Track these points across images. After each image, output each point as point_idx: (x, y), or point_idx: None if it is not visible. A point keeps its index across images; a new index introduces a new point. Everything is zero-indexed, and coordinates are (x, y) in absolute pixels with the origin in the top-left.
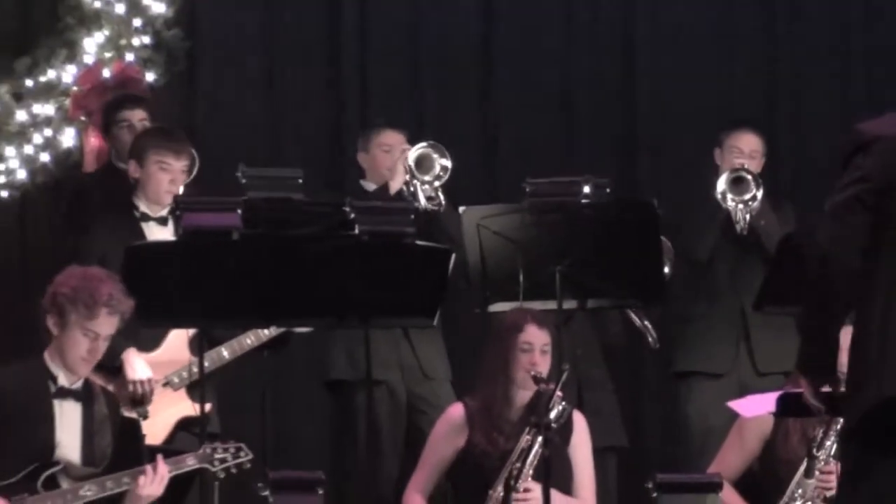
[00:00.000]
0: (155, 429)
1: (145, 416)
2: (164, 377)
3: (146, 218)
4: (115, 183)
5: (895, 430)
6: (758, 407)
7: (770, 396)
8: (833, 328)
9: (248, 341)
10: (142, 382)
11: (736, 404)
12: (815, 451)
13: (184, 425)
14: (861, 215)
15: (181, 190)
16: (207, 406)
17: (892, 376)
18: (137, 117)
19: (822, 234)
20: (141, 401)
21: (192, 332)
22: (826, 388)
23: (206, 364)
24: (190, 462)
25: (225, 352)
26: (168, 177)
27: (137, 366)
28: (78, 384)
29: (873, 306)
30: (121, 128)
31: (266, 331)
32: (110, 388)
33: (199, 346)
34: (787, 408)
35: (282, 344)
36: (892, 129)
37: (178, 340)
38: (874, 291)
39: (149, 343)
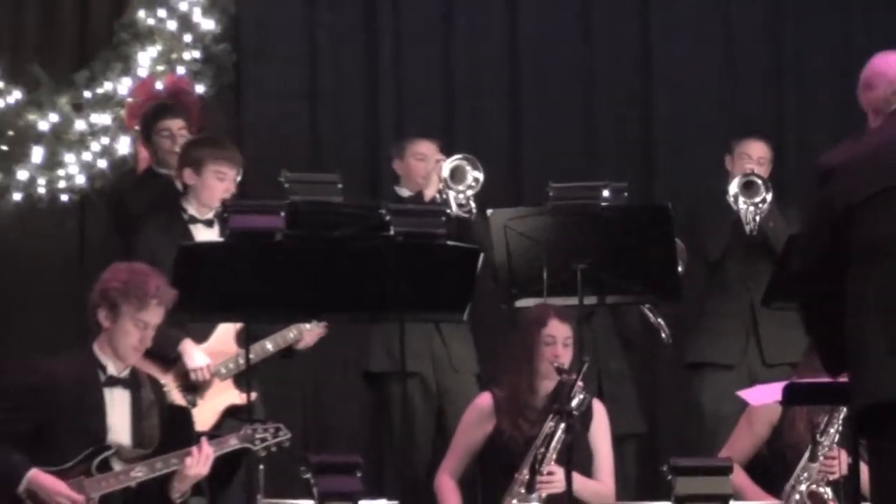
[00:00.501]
0: (204, 416)
1: (194, 404)
2: (213, 368)
3: (194, 220)
4: (155, 186)
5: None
6: (765, 396)
7: (777, 386)
8: (825, 337)
9: (291, 335)
10: (200, 370)
11: (745, 393)
12: (818, 436)
13: (231, 413)
14: (828, 242)
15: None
16: (253, 395)
17: (858, 392)
18: (177, 126)
19: (794, 263)
20: (198, 387)
21: (237, 326)
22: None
23: (251, 356)
24: (232, 442)
25: (269, 345)
26: (223, 185)
27: (195, 355)
28: (125, 373)
29: (846, 323)
30: (162, 136)
31: (307, 325)
32: (168, 376)
33: (244, 340)
34: (793, 397)
35: (289, 356)
36: (844, 157)
37: (225, 334)
38: (847, 309)
39: (198, 337)
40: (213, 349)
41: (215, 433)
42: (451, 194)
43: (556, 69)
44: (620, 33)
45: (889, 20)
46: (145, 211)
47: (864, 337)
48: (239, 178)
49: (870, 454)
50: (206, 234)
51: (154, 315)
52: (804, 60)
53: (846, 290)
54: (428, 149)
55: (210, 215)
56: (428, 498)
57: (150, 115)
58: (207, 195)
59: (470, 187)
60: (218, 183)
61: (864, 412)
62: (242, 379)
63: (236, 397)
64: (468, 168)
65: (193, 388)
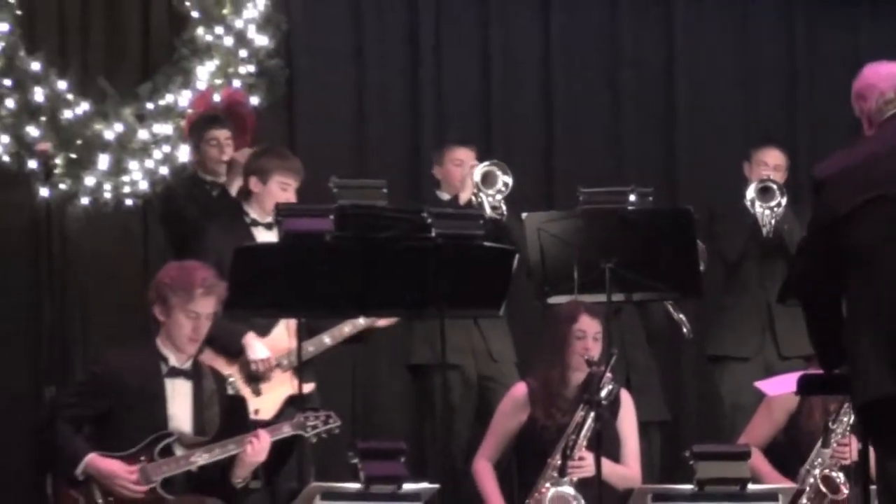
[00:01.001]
0: (266, 405)
1: (259, 393)
2: (275, 360)
3: (255, 224)
4: (198, 191)
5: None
6: (781, 386)
7: (792, 377)
8: (822, 337)
9: (346, 329)
10: (262, 361)
11: (762, 384)
12: (831, 424)
13: (291, 402)
14: (823, 251)
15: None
16: (311, 385)
17: (855, 390)
18: (224, 136)
19: (792, 271)
20: (260, 377)
21: (295, 321)
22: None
23: (310, 349)
24: (286, 430)
25: (326, 339)
26: (286, 195)
27: (257, 348)
28: (187, 364)
29: (845, 326)
30: (210, 145)
31: (361, 320)
32: (233, 367)
33: (298, 334)
34: (807, 387)
35: (364, 340)
36: (835, 168)
37: (285, 329)
38: (845, 312)
39: (260, 331)
40: (275, 343)
41: (272, 421)
42: (484, 197)
43: (585, 81)
44: (645, 48)
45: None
46: (201, 214)
47: (858, 339)
48: None
49: (873, 445)
50: (266, 237)
51: (203, 305)
52: (816, 73)
53: (841, 294)
54: (465, 155)
55: (270, 219)
56: (467, 481)
57: (199, 124)
58: (270, 203)
59: (500, 191)
60: (281, 193)
61: (862, 408)
62: (308, 371)
63: (296, 388)
64: (498, 173)
65: (255, 378)
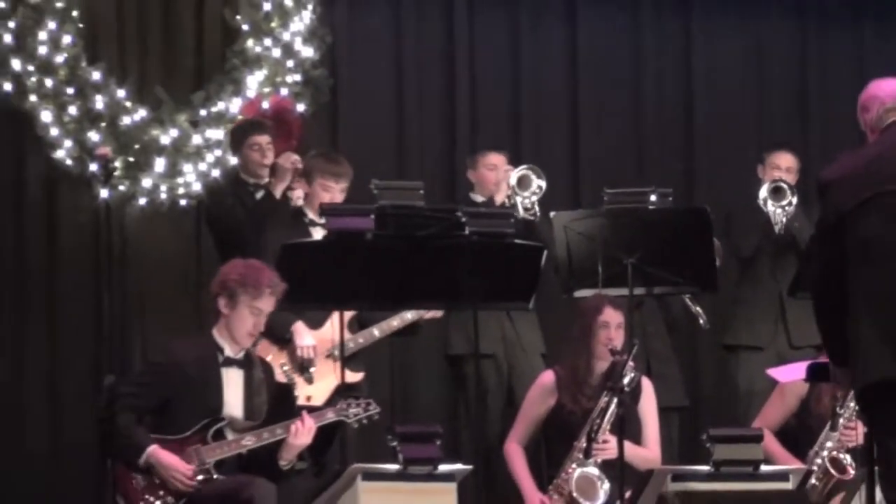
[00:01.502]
0: (318, 393)
1: (310, 381)
2: (327, 350)
3: (313, 223)
4: (242, 192)
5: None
6: (792, 374)
7: (802, 365)
8: (830, 331)
9: (395, 323)
10: (307, 348)
11: (774, 371)
12: (839, 409)
13: (340, 390)
14: (829, 248)
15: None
16: (360, 375)
17: (856, 375)
18: (265, 141)
19: (803, 267)
20: (306, 363)
21: (348, 314)
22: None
23: (360, 341)
24: (329, 416)
25: (376, 331)
26: (328, 195)
27: (305, 336)
28: (240, 355)
29: (848, 318)
30: (252, 150)
31: (409, 314)
32: (282, 353)
33: (342, 326)
34: (815, 375)
35: (413, 333)
36: (837, 173)
37: (337, 321)
38: (849, 305)
39: (314, 324)
40: (325, 335)
41: (313, 406)
42: (518, 199)
43: (609, 89)
44: (666, 59)
45: None
46: (246, 215)
47: (858, 327)
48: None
49: (874, 426)
50: (321, 235)
51: (266, 304)
52: (826, 83)
53: (846, 288)
54: (498, 160)
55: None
56: (499, 463)
57: (241, 130)
58: (315, 203)
59: (534, 193)
60: (324, 194)
61: (862, 392)
62: (351, 361)
63: (347, 377)
64: (533, 176)
65: (304, 366)
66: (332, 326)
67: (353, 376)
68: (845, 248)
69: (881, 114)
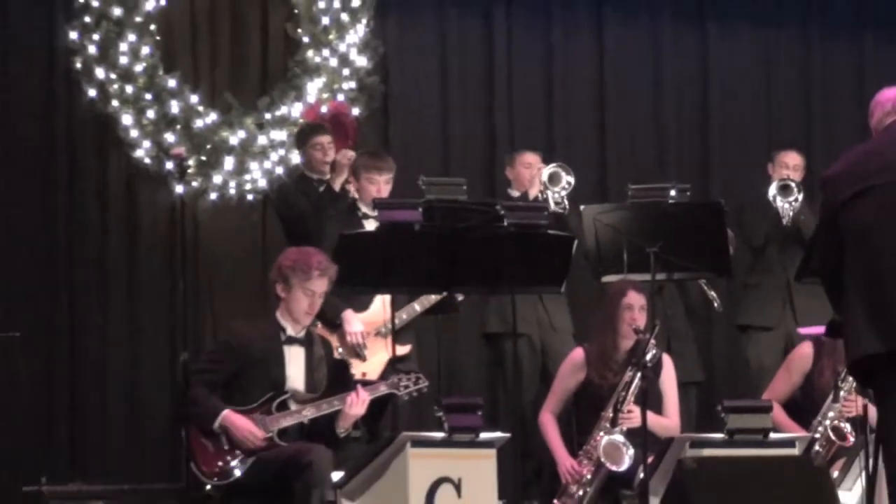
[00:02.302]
0: (371, 368)
1: (364, 359)
2: (375, 329)
3: (366, 216)
4: (307, 187)
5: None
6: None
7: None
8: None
9: (433, 297)
10: (356, 334)
11: (805, 329)
12: (840, 383)
13: (391, 363)
14: (830, 237)
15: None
16: (408, 347)
17: (848, 351)
18: (326, 141)
19: (814, 260)
20: (357, 350)
21: (389, 297)
22: None
23: (404, 316)
24: (382, 388)
25: (416, 306)
26: (374, 188)
27: (353, 322)
28: (301, 333)
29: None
30: (315, 149)
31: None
32: (333, 337)
33: (392, 307)
34: (833, 331)
35: (454, 311)
36: (835, 170)
37: (381, 304)
38: (843, 287)
39: (361, 306)
40: (372, 317)
41: (367, 380)
42: (550, 194)
43: (633, 95)
44: (685, 67)
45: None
46: (310, 207)
47: (851, 306)
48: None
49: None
50: (373, 226)
51: (318, 285)
52: (828, 87)
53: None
54: (532, 159)
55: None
56: (533, 431)
57: (305, 132)
58: (365, 196)
59: (564, 189)
60: (370, 186)
61: (853, 364)
62: (399, 335)
63: (397, 350)
64: (563, 173)
65: (354, 349)
66: (384, 306)
67: (402, 349)
68: (841, 235)
69: (881, 117)
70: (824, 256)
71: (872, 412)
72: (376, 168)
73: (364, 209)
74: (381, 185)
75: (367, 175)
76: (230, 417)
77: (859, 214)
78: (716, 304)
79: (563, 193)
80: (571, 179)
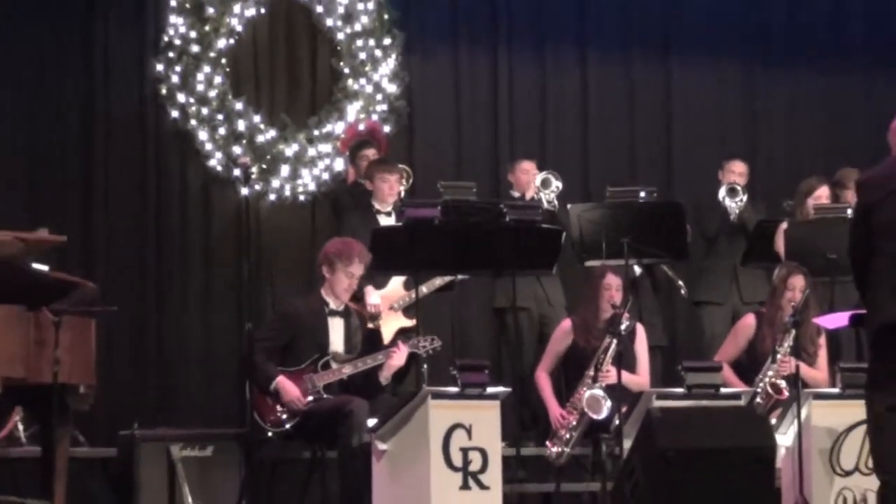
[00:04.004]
0: (385, 334)
1: (379, 326)
2: (390, 304)
3: (379, 213)
4: (359, 191)
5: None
6: (836, 322)
7: (844, 315)
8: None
9: (438, 282)
10: (374, 305)
11: (821, 319)
12: (777, 347)
13: (401, 332)
14: (862, 230)
15: (401, 193)
16: (413, 321)
17: (873, 320)
18: (372, 153)
19: (753, 245)
20: (374, 317)
21: (404, 278)
22: None
23: (423, 290)
24: (404, 348)
25: (424, 289)
26: (386, 186)
27: (373, 295)
28: (341, 307)
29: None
30: (363, 160)
31: (438, 280)
32: (358, 307)
33: (415, 286)
34: (855, 322)
35: (451, 289)
36: (867, 177)
37: (397, 283)
38: (871, 268)
39: (380, 284)
40: (390, 293)
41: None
42: (543, 195)
43: (611, 115)
44: (652, 93)
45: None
46: (351, 206)
47: (877, 285)
48: (409, 184)
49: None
50: (385, 221)
51: (357, 269)
52: (766, 109)
53: (872, 259)
54: (529, 166)
55: (388, 209)
56: (530, 387)
57: (355, 146)
58: (379, 196)
59: (553, 192)
60: (383, 185)
61: (878, 330)
62: (407, 311)
63: (403, 322)
64: (553, 179)
65: (372, 316)
66: (395, 286)
67: (409, 322)
68: (871, 229)
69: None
70: (856, 245)
71: (804, 371)
72: (387, 170)
73: (377, 206)
74: (393, 182)
75: (381, 175)
76: (282, 383)
77: (886, 213)
78: (683, 292)
79: (553, 195)
80: (560, 184)
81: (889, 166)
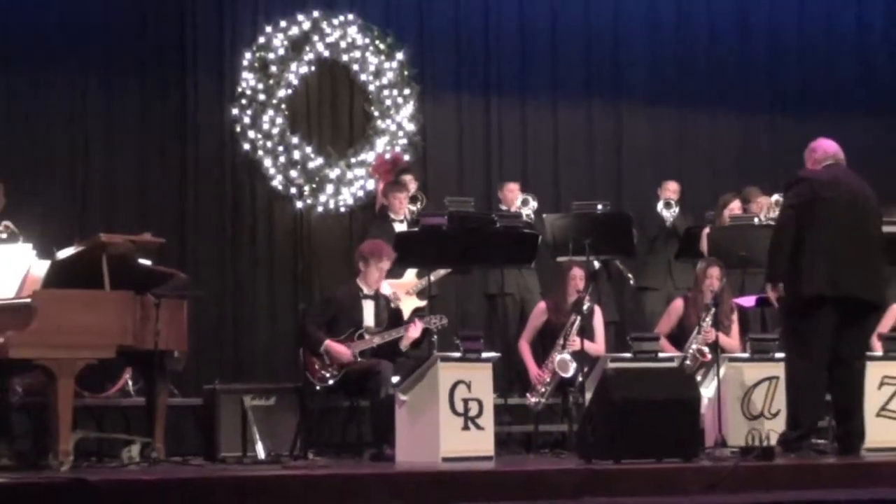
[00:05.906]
0: (405, 312)
1: (399, 308)
2: (407, 290)
3: (393, 220)
4: (382, 213)
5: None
6: (748, 302)
7: (751, 298)
8: (780, 261)
9: (443, 272)
10: (395, 293)
11: (739, 300)
12: (701, 322)
13: (416, 312)
14: (798, 211)
15: (420, 203)
16: (425, 302)
17: (802, 290)
18: (409, 178)
19: (684, 244)
20: (392, 299)
21: (415, 270)
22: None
23: (423, 283)
24: (419, 324)
25: (432, 277)
26: (397, 201)
27: (384, 286)
28: (372, 292)
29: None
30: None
31: (441, 271)
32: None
33: (428, 277)
34: (760, 303)
35: (466, 273)
36: (810, 174)
37: (411, 273)
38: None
39: (396, 275)
40: (405, 283)
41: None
42: (524, 210)
43: (575, 152)
44: (608, 130)
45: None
46: (373, 219)
47: (809, 259)
48: (418, 205)
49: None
50: (398, 227)
51: (385, 264)
52: (688, 143)
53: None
54: (514, 187)
55: (400, 218)
56: (514, 353)
57: (400, 172)
58: (393, 208)
59: (531, 208)
60: (395, 201)
61: (808, 300)
62: (423, 294)
63: (418, 303)
64: (531, 199)
65: (396, 299)
66: (410, 277)
67: (421, 303)
68: (813, 215)
69: (820, 157)
70: (785, 223)
71: (722, 340)
72: (398, 189)
73: (392, 216)
74: (402, 199)
75: (393, 194)
76: (330, 345)
77: (831, 206)
78: (630, 280)
79: (531, 210)
80: (535, 203)
81: (822, 173)
